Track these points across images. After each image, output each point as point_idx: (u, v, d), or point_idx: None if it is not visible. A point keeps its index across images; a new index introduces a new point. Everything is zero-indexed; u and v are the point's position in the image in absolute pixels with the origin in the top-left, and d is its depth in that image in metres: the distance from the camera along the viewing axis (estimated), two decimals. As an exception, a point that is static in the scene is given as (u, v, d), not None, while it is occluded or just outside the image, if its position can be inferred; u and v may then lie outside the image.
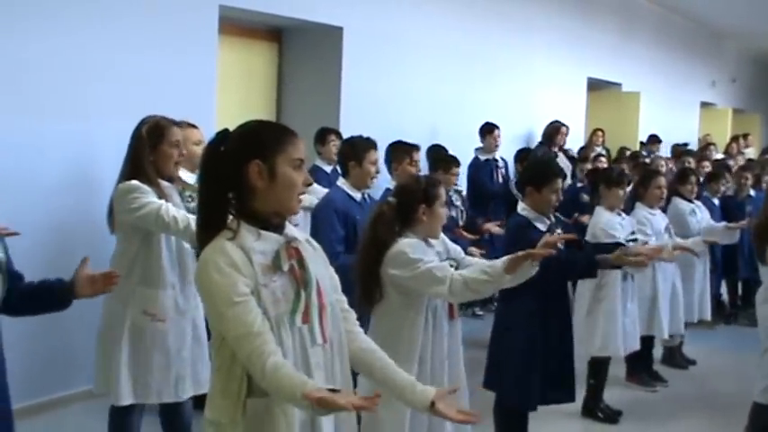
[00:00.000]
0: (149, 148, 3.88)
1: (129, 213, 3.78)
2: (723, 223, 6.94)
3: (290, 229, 2.45)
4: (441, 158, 6.84)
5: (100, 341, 3.98)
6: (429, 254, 3.53)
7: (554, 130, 9.88)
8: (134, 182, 3.81)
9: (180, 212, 3.75)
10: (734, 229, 6.78)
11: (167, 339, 3.89)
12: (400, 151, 5.53)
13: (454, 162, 6.70)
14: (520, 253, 3.30)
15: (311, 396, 2.10)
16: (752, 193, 8.55)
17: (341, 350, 2.49)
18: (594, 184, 6.01)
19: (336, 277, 2.61)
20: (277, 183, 2.34)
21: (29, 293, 2.87)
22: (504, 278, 3.32)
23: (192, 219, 3.65)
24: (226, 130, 2.41)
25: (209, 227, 2.35)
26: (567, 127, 9.97)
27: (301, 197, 2.43)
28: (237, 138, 2.38)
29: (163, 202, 3.77)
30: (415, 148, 5.60)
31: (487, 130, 8.79)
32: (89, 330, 4.13)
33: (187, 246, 3.91)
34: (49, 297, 2.91)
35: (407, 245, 3.50)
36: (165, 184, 3.93)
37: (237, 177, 2.33)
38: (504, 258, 3.34)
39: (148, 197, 3.77)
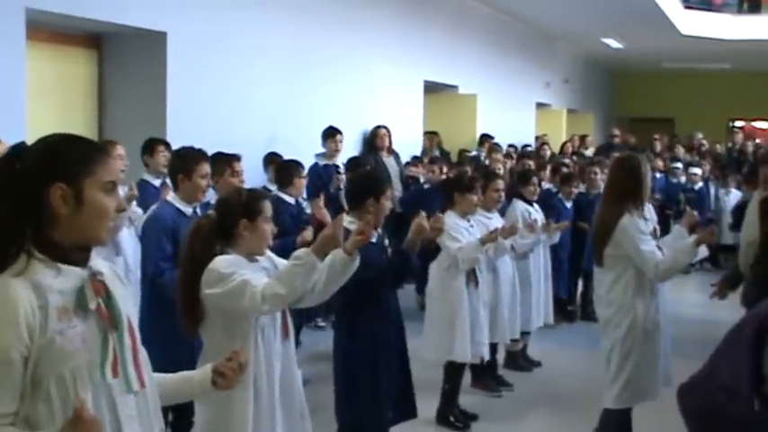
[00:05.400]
0: None
1: None
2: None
3: (94, 260, 2.11)
4: (283, 167, 6.76)
5: None
6: (250, 269, 3.30)
7: (372, 135, 9.81)
8: None
9: None
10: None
11: None
12: (220, 162, 5.27)
13: (302, 166, 6.74)
14: (325, 231, 3.24)
15: None
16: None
17: (153, 392, 2.22)
18: (447, 190, 5.97)
19: None
20: (84, 210, 2.01)
21: None
22: (312, 260, 3.14)
23: None
24: (22, 144, 2.06)
25: None
26: (387, 128, 9.82)
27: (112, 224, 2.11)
28: (37, 155, 2.02)
29: None
30: (235, 157, 5.36)
31: (330, 134, 8.57)
32: None
33: None
34: None
35: (222, 261, 3.29)
36: None
37: (35, 201, 1.99)
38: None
39: None
